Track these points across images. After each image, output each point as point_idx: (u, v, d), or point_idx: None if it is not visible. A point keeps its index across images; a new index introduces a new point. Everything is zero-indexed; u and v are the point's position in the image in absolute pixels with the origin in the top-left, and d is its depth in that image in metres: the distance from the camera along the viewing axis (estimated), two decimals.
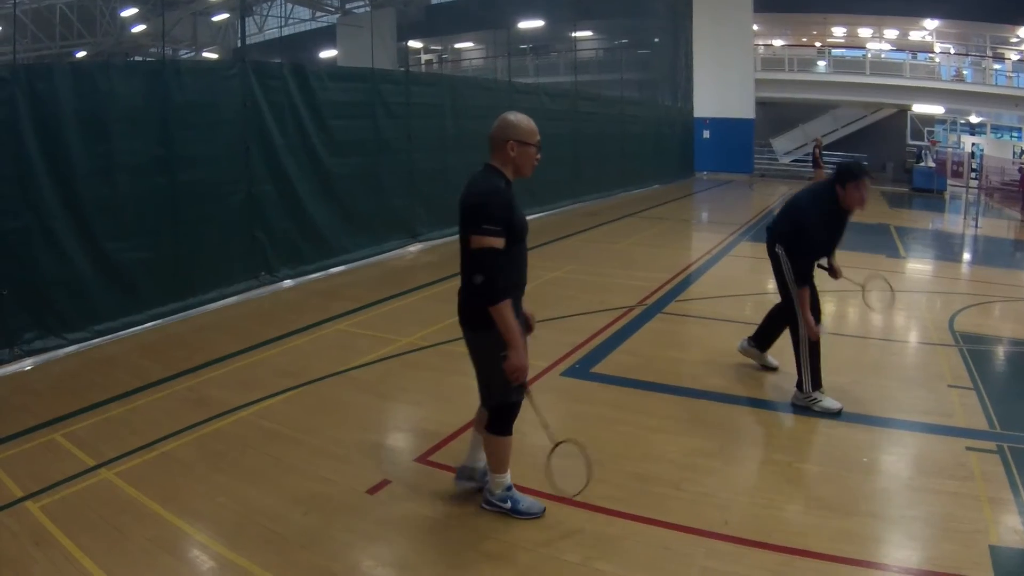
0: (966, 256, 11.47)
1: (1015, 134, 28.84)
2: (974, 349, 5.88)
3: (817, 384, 4.61)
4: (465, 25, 28.58)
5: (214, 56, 28.88)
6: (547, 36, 28.26)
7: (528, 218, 3.27)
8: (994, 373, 5.60)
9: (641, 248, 11.17)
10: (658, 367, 5.47)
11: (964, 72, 24.95)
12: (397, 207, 10.03)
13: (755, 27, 24.88)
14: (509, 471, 3.39)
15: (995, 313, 7.31)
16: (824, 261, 4.89)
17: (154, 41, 26.53)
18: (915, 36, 27.01)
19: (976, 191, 19.12)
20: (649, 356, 5.77)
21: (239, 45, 19.57)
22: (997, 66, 24.40)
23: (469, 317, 3.17)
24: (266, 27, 29.94)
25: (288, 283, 8.09)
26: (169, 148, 6.69)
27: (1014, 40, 24.88)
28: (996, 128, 29.08)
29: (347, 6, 30.06)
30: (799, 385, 4.66)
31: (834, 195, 4.57)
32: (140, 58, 25.88)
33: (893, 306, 5.68)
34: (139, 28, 26.34)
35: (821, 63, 26.34)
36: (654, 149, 20.73)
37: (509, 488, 3.38)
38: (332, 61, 28.26)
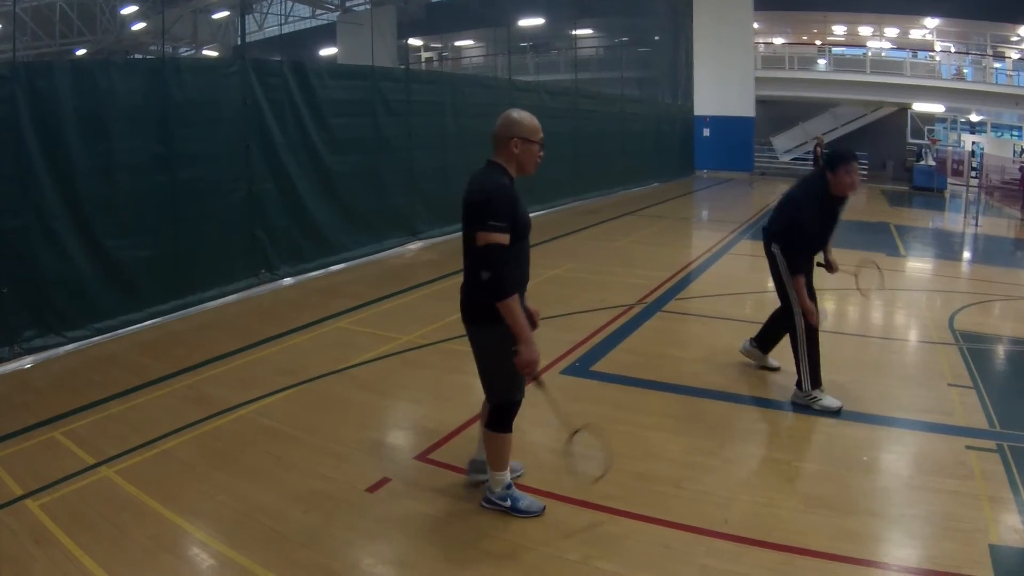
0: (966, 255, 11.46)
1: (1015, 133, 28.83)
2: (974, 348, 5.88)
3: (817, 383, 4.61)
4: (465, 23, 28.53)
5: (214, 54, 28.83)
6: (547, 34, 28.21)
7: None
8: (994, 372, 5.60)
9: (641, 246, 11.17)
10: (658, 365, 5.47)
11: (964, 71, 24.94)
12: (397, 205, 10.02)
13: (755, 25, 24.85)
14: (509, 469, 3.39)
15: (995, 312, 7.31)
16: (821, 258, 4.89)
17: (154, 39, 26.48)
18: (915, 34, 26.98)
19: (976, 190, 19.11)
20: (649, 354, 5.77)
21: (239, 43, 19.56)
22: (997, 65, 24.38)
23: (472, 313, 3.17)
24: (266, 25, 29.86)
25: (288, 281, 8.08)
26: (169, 146, 6.69)
27: (1014, 39, 24.85)
28: (996, 127, 29.07)
29: (347, 4, 30.01)
30: (799, 384, 4.66)
31: (825, 183, 4.59)
32: (140, 56, 25.82)
33: (882, 286, 5.67)
34: (139, 26, 26.30)
35: (821, 61, 26.30)
36: (654, 147, 20.72)
37: (509, 486, 3.39)
38: (332, 59, 28.24)
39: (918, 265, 10.19)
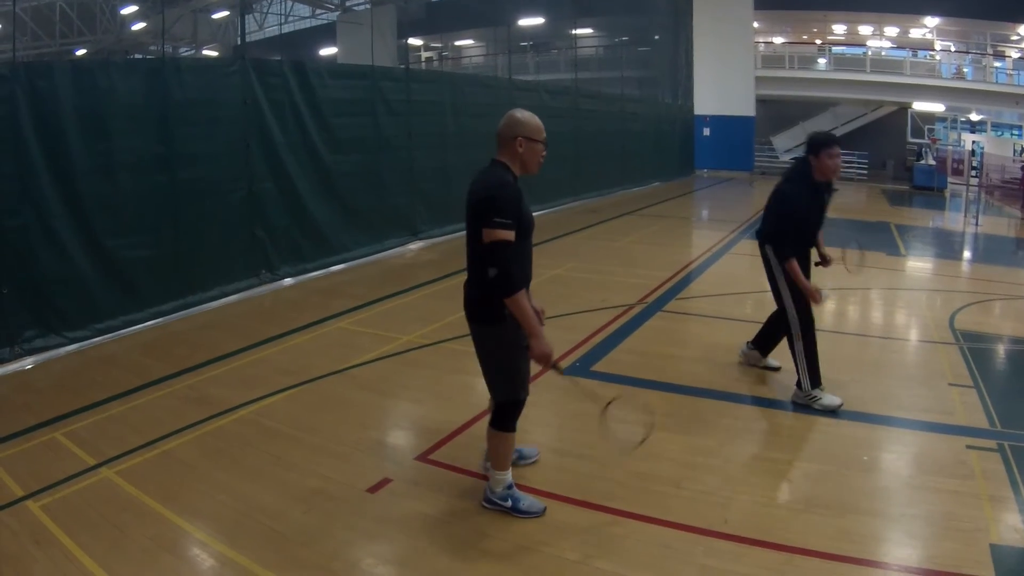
0: (966, 254, 11.46)
1: (1016, 132, 28.80)
2: (975, 347, 5.88)
3: (816, 382, 4.61)
4: (465, 22, 28.52)
5: (214, 54, 28.83)
6: (547, 33, 28.19)
7: None
8: (995, 371, 5.60)
9: (641, 246, 11.17)
10: (658, 365, 5.47)
11: (964, 70, 24.92)
12: (397, 205, 10.02)
13: (755, 24, 24.84)
14: (510, 469, 3.40)
15: (995, 311, 7.31)
16: (816, 257, 4.90)
17: (154, 39, 26.45)
18: (915, 34, 26.97)
19: (976, 189, 19.10)
20: (649, 354, 5.77)
21: (239, 43, 19.55)
22: (998, 64, 24.36)
23: (475, 312, 3.19)
24: (266, 24, 29.85)
25: (289, 281, 8.08)
26: (169, 146, 6.69)
27: (1015, 38, 24.83)
28: (996, 126, 29.05)
29: (347, 3, 29.98)
30: (798, 384, 4.66)
31: (808, 169, 4.62)
32: (140, 56, 25.84)
33: (862, 262, 5.69)
34: (139, 26, 26.28)
35: (821, 61, 26.28)
36: (654, 147, 20.72)
37: (510, 486, 3.39)
38: (332, 58, 28.22)
39: (918, 264, 10.19)
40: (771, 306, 5.15)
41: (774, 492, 3.65)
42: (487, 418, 3.43)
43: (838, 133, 26.95)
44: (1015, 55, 24.34)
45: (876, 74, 24.45)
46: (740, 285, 8.27)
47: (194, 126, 6.93)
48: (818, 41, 28.16)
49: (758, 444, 4.29)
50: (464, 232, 3.20)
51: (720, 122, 24.38)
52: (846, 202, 17.77)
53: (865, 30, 27.85)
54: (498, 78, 14.66)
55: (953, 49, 26.31)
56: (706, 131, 24.70)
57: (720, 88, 24.00)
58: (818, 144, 4.56)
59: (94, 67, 6.27)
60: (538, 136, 3.17)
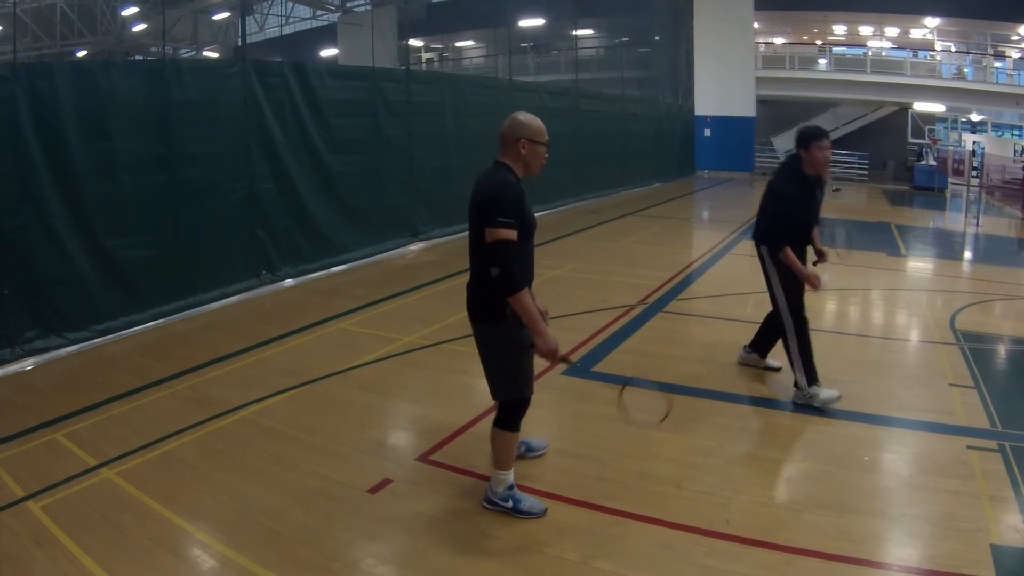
0: (967, 254, 11.45)
1: (1016, 132, 28.78)
2: (975, 347, 5.88)
3: (812, 379, 4.62)
4: (466, 23, 28.52)
5: (215, 55, 28.86)
6: (548, 34, 28.20)
7: None
8: (995, 372, 5.59)
9: (642, 246, 11.17)
10: (659, 366, 5.47)
11: (965, 70, 24.89)
12: (398, 205, 10.03)
13: (756, 25, 24.83)
14: (512, 470, 3.40)
15: (996, 311, 7.30)
16: (813, 256, 4.90)
17: (155, 40, 26.46)
18: (916, 34, 26.96)
19: (977, 189, 19.09)
20: (650, 355, 5.77)
21: (240, 44, 19.55)
22: (998, 64, 24.34)
23: (478, 312, 3.22)
24: (267, 26, 29.89)
25: (289, 282, 8.09)
26: (170, 146, 6.70)
27: (1015, 38, 24.82)
28: (997, 126, 29.01)
29: (348, 4, 30.00)
30: (796, 383, 4.67)
31: (799, 164, 4.64)
32: (141, 57, 25.87)
33: (849, 246, 5.71)
34: (140, 27, 26.30)
35: (822, 61, 26.26)
36: (655, 147, 20.72)
37: (511, 487, 3.39)
38: (333, 59, 28.23)
39: (919, 265, 10.18)
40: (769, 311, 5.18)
41: (774, 492, 3.65)
42: (491, 417, 3.43)
43: (839, 134, 27.11)
44: (1015, 55, 24.33)
45: (876, 75, 24.43)
46: (741, 286, 8.26)
47: (195, 127, 6.94)
48: (818, 42, 28.16)
49: (758, 444, 4.29)
50: (466, 233, 3.23)
51: (721, 123, 24.37)
52: (847, 203, 17.77)
53: (865, 31, 27.85)
54: (499, 79, 14.67)
55: (953, 49, 26.30)
56: (707, 132, 24.68)
57: (721, 89, 23.99)
58: (807, 137, 4.58)
59: (95, 68, 6.28)
60: (540, 138, 3.22)
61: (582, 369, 5.35)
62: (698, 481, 3.70)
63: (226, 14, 28.46)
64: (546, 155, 3.28)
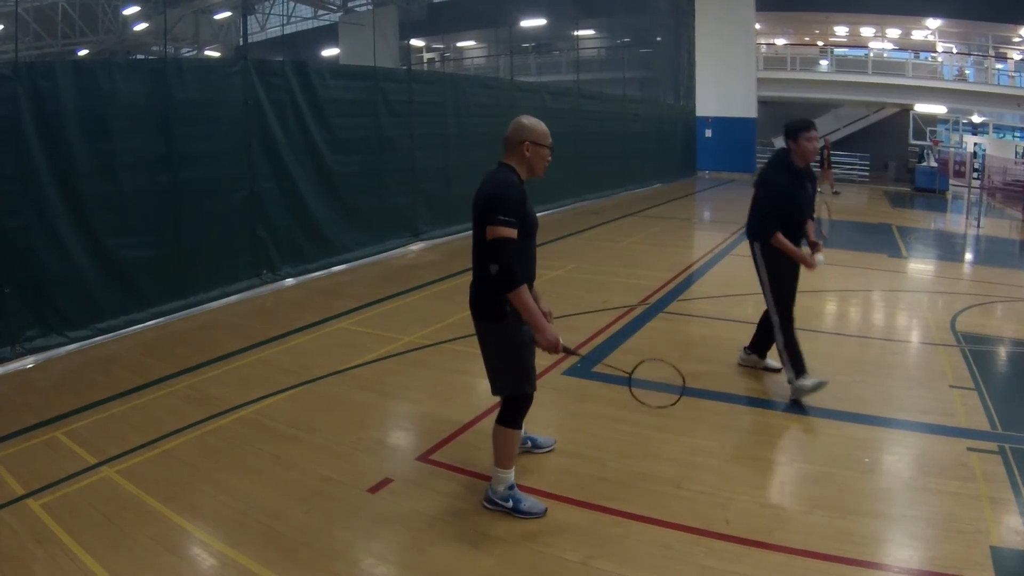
0: (968, 256, 11.44)
1: (1017, 134, 28.77)
2: (976, 349, 5.87)
3: (800, 370, 4.66)
4: (467, 23, 28.52)
5: (216, 54, 28.87)
6: (549, 35, 28.21)
7: None
8: (996, 373, 5.59)
9: (643, 247, 11.16)
10: (659, 366, 5.45)
11: (966, 72, 24.88)
12: (399, 205, 10.03)
13: (757, 26, 24.82)
14: (513, 469, 3.40)
15: (997, 313, 7.30)
16: (808, 248, 4.91)
17: (156, 39, 26.50)
18: (917, 35, 26.94)
19: (978, 191, 19.07)
20: (651, 355, 5.74)
21: (241, 43, 19.58)
22: (1000, 66, 24.32)
23: (479, 310, 3.28)
24: (268, 25, 29.91)
25: (290, 281, 8.09)
26: (171, 146, 6.70)
27: (1016, 39, 24.80)
28: (998, 128, 28.99)
29: (349, 4, 30.02)
30: (788, 379, 4.70)
31: (787, 156, 4.69)
32: (142, 56, 25.88)
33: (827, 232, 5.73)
34: (141, 26, 26.33)
35: (823, 62, 26.25)
36: (656, 148, 20.71)
37: (512, 487, 3.39)
38: (334, 59, 28.25)
39: (920, 266, 10.17)
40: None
41: (774, 493, 3.65)
42: (491, 417, 3.44)
43: (840, 135, 27.13)
44: (1017, 57, 24.32)
45: (878, 76, 24.41)
46: (742, 287, 8.25)
47: (196, 126, 6.95)
48: (820, 43, 28.15)
49: (759, 445, 4.28)
50: (467, 233, 3.26)
51: (722, 123, 24.35)
52: (848, 203, 17.76)
53: (867, 32, 27.83)
54: (500, 79, 14.69)
55: (955, 51, 26.29)
56: (708, 132, 24.67)
57: (722, 89, 23.97)
58: (796, 129, 4.63)
59: (96, 67, 6.28)
60: (544, 141, 3.30)
61: (582, 369, 5.35)
62: (698, 481, 3.70)
63: (227, 13, 28.49)
64: (549, 158, 3.35)
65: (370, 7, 28.64)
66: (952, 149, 25.16)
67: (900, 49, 26.87)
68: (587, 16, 24.43)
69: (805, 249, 4.83)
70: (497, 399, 3.45)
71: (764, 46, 26.71)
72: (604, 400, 4.80)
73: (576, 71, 17.78)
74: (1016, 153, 25.24)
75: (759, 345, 5.29)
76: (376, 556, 3.15)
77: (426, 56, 33.55)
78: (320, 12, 30.31)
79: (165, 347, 5.97)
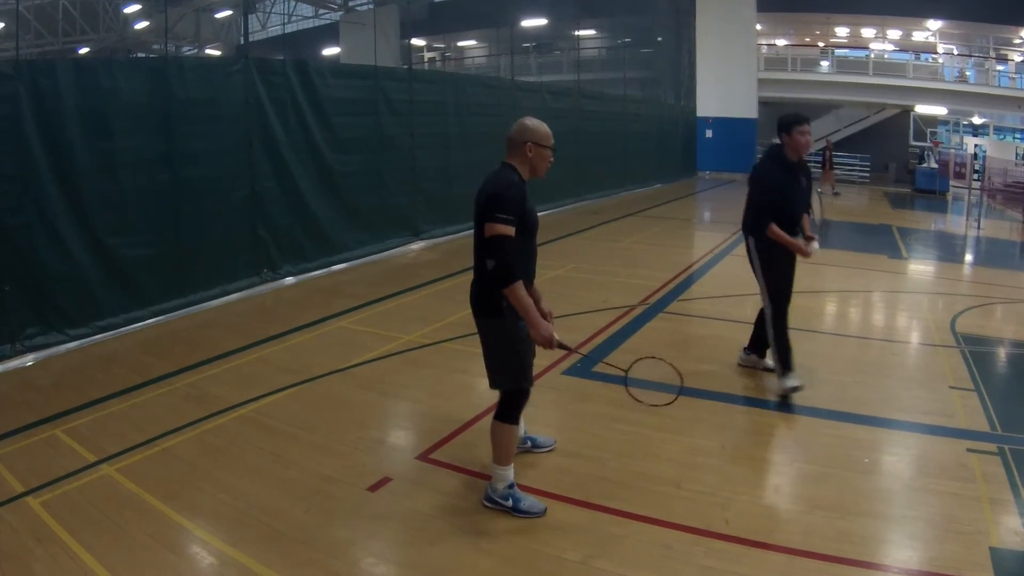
0: (968, 257, 11.44)
1: (1018, 136, 28.77)
2: (976, 351, 5.87)
3: (787, 367, 4.68)
4: (468, 23, 28.52)
5: (217, 53, 28.87)
6: (550, 34, 28.22)
7: None
8: (996, 375, 5.59)
9: (643, 247, 11.16)
10: (659, 366, 5.45)
11: (967, 73, 24.87)
12: (399, 205, 10.03)
13: (758, 26, 24.81)
14: (512, 467, 3.41)
15: (997, 315, 7.30)
16: (803, 241, 4.90)
17: (157, 38, 26.48)
18: (918, 36, 26.94)
19: (978, 192, 19.06)
20: (650, 355, 5.74)
21: (242, 42, 19.56)
22: (1000, 67, 24.32)
23: (479, 306, 3.32)
24: (269, 24, 29.90)
25: (290, 280, 8.09)
26: (171, 144, 6.70)
27: (1017, 41, 24.81)
28: (999, 129, 29.00)
29: (350, 3, 30.00)
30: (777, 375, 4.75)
31: (781, 150, 4.69)
32: (143, 54, 25.87)
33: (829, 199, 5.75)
34: (142, 25, 26.32)
35: (824, 63, 26.25)
36: (657, 148, 20.71)
37: (511, 486, 3.40)
38: (335, 58, 28.26)
39: (920, 267, 10.17)
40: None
41: (775, 493, 3.65)
42: (491, 415, 3.45)
43: (841, 136, 27.13)
44: (1018, 58, 24.32)
45: (879, 77, 24.41)
46: (742, 287, 8.24)
47: (196, 125, 6.94)
48: (821, 43, 28.16)
49: (758, 445, 4.29)
50: (467, 232, 3.28)
51: (722, 124, 24.35)
52: (848, 204, 17.77)
53: (868, 33, 27.84)
54: (501, 79, 14.69)
55: (956, 52, 26.29)
56: (708, 133, 24.66)
57: (723, 90, 23.97)
58: (789, 122, 4.64)
59: (97, 66, 6.29)
60: (547, 142, 3.34)
61: (582, 369, 5.35)
62: (698, 481, 3.70)
63: (228, 12, 28.49)
64: (551, 159, 3.39)
65: (371, 6, 28.62)
66: (952, 150, 25.19)
67: (901, 50, 26.87)
68: (588, 16, 24.47)
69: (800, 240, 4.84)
70: (496, 398, 3.45)
71: (765, 47, 26.71)
72: (604, 400, 4.80)
73: (577, 71, 17.78)
74: (1016, 154, 25.25)
75: (758, 345, 5.29)
76: (376, 555, 3.15)
77: (427, 55, 33.54)
78: (321, 11, 30.29)
79: (165, 345, 5.97)
